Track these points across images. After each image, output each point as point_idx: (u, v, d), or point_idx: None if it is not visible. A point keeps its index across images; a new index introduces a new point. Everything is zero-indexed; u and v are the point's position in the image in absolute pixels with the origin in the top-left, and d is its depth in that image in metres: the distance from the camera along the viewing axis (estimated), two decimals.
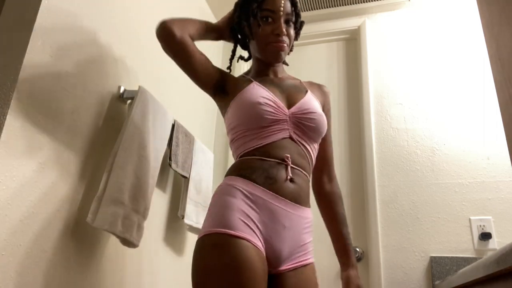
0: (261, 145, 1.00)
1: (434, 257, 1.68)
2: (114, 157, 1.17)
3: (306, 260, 0.99)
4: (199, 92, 2.04)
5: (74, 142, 1.12)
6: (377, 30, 2.23)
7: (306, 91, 1.14)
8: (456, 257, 1.66)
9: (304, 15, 2.31)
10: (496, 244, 1.66)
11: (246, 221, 0.90)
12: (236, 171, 1.00)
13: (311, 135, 1.06)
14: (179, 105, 1.79)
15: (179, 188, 1.69)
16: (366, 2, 2.20)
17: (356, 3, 2.22)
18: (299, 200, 0.99)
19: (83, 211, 1.13)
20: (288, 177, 0.98)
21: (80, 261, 1.12)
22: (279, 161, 0.99)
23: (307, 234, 1.01)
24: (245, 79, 1.14)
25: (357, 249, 1.86)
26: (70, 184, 1.09)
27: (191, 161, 1.62)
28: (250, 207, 0.92)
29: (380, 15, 2.25)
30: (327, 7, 2.27)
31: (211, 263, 0.84)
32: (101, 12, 1.27)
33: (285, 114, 1.04)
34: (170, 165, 1.47)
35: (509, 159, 0.80)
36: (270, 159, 0.98)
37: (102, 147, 1.23)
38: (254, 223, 0.91)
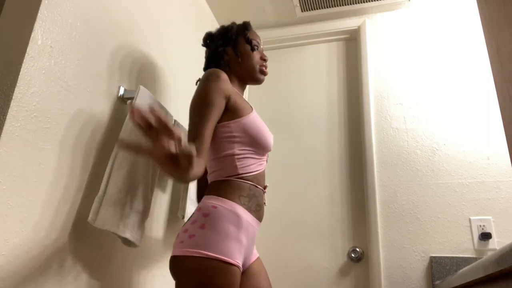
0: (257, 172, 1.19)
1: (434, 257, 1.68)
2: (115, 157, 1.17)
3: (256, 255, 1.25)
4: None
5: (74, 142, 1.12)
6: (377, 30, 2.23)
7: None
8: (456, 257, 1.66)
9: (304, 15, 2.32)
10: (496, 244, 1.66)
11: (240, 249, 1.04)
12: (236, 196, 1.11)
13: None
14: (179, 105, 1.79)
15: (179, 188, 1.69)
16: (366, 2, 2.20)
17: (356, 3, 2.22)
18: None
19: (84, 211, 1.13)
20: (265, 203, 1.22)
21: (81, 261, 1.12)
22: (262, 189, 1.21)
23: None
24: (244, 99, 1.30)
25: (357, 249, 1.86)
26: (70, 184, 1.09)
27: None
28: (244, 234, 1.08)
29: (380, 15, 2.25)
30: (327, 7, 2.27)
31: (207, 283, 0.95)
32: (101, 12, 1.27)
33: (270, 149, 1.27)
34: None
35: (509, 159, 0.80)
36: (259, 187, 1.19)
37: (102, 147, 1.23)
38: (244, 247, 1.07)
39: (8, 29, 1.00)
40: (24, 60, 0.96)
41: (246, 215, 1.10)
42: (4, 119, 0.90)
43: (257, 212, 1.16)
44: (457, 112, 1.93)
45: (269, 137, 1.24)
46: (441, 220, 1.76)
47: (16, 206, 0.92)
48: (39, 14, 1.01)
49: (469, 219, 1.73)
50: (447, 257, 1.67)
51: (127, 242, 1.21)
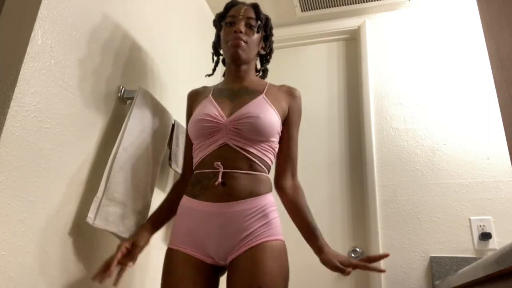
0: (203, 157, 1.16)
1: (434, 257, 1.68)
2: (114, 157, 1.17)
3: (251, 243, 1.04)
4: None
5: (74, 142, 1.12)
6: (377, 30, 2.23)
7: (257, 96, 1.20)
8: (456, 257, 1.66)
9: (304, 15, 2.32)
10: (496, 244, 1.66)
11: (184, 235, 1.10)
12: (188, 189, 1.18)
13: (249, 136, 1.14)
14: (179, 105, 1.79)
15: None
16: (366, 2, 2.20)
17: (356, 3, 2.22)
18: (232, 197, 1.08)
19: (83, 211, 1.13)
20: (218, 182, 1.09)
21: (80, 261, 1.12)
22: (212, 170, 1.12)
23: (256, 221, 1.07)
24: (206, 94, 1.28)
25: (357, 249, 1.86)
26: (70, 184, 1.09)
27: None
28: (188, 219, 1.11)
29: (380, 15, 2.25)
30: (327, 7, 2.27)
31: (164, 268, 1.11)
32: (101, 12, 1.27)
33: (222, 124, 1.14)
34: (170, 165, 1.46)
35: (509, 159, 0.80)
36: (206, 170, 1.13)
37: (102, 147, 1.23)
38: (189, 232, 1.09)
39: (8, 29, 1.00)
40: (24, 60, 0.96)
41: (188, 202, 1.13)
42: (4, 119, 0.90)
43: (203, 194, 1.10)
44: (457, 112, 1.93)
45: (198, 119, 1.15)
46: (441, 220, 1.76)
47: (16, 206, 0.92)
48: (39, 14, 1.01)
49: (469, 219, 1.73)
50: (447, 257, 1.67)
51: None
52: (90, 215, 1.08)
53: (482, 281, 0.90)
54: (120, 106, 1.34)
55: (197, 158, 1.19)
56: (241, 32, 1.21)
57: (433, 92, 2.00)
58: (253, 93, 1.22)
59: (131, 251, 1.10)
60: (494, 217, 1.70)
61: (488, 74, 1.94)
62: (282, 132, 1.23)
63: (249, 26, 1.24)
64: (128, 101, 1.37)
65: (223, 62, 1.39)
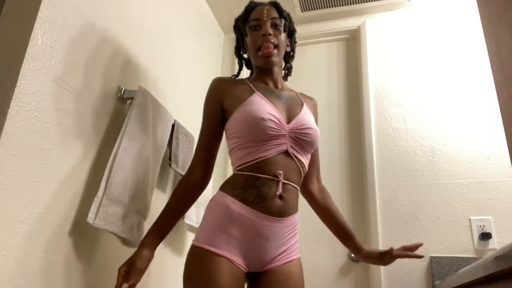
0: (258, 160, 1.08)
1: (434, 257, 1.68)
2: (114, 157, 1.17)
3: (288, 258, 1.10)
4: (199, 92, 2.04)
5: (74, 142, 1.12)
6: (377, 30, 2.22)
7: (302, 105, 1.22)
8: (456, 257, 1.66)
9: (304, 15, 2.31)
10: (496, 244, 1.66)
11: (229, 240, 1.03)
12: (229, 188, 1.10)
13: (307, 148, 1.15)
14: (179, 105, 1.79)
15: None
16: (366, 2, 2.20)
17: (356, 3, 2.22)
18: (284, 214, 1.08)
19: (83, 211, 1.13)
20: (278, 194, 1.07)
21: (80, 261, 1.12)
22: (271, 177, 1.07)
23: (291, 238, 1.12)
24: (247, 86, 1.19)
25: None
26: (70, 184, 1.09)
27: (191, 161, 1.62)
28: (236, 226, 1.04)
29: (380, 15, 2.25)
30: (327, 7, 2.27)
31: (193, 271, 1.01)
32: (101, 12, 1.27)
33: (285, 130, 1.11)
34: (170, 165, 1.46)
35: (509, 159, 0.80)
36: (264, 176, 1.07)
37: (102, 147, 1.23)
38: (237, 240, 1.03)
39: (8, 29, 1.00)
40: (24, 60, 0.96)
41: (238, 208, 1.04)
42: (4, 119, 0.90)
43: (259, 203, 1.04)
44: (457, 112, 1.93)
45: (260, 119, 1.07)
46: (441, 220, 1.76)
47: (16, 206, 0.92)
48: (39, 14, 1.01)
49: (469, 219, 1.73)
50: (447, 257, 1.67)
51: (126, 242, 1.21)
52: (91, 215, 1.08)
53: (482, 281, 0.90)
54: (120, 106, 1.34)
55: (246, 158, 1.09)
56: (270, 34, 1.18)
57: (433, 92, 2.00)
58: (295, 101, 1.22)
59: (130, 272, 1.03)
60: (494, 217, 1.70)
61: (488, 74, 1.94)
62: None
63: (275, 26, 1.21)
64: (128, 101, 1.37)
65: (247, 65, 1.34)
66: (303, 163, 1.15)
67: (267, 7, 1.23)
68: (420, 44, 2.11)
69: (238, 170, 1.11)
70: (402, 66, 2.10)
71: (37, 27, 1.00)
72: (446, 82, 2.00)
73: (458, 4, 2.12)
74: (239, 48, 1.32)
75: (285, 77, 1.37)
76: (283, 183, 1.08)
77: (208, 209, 1.11)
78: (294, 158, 1.12)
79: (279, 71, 1.27)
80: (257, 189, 1.06)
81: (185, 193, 1.13)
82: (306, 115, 1.18)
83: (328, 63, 2.33)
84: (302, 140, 1.13)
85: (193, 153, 1.64)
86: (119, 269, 1.03)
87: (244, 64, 1.34)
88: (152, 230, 1.10)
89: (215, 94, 1.20)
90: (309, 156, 1.19)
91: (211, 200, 1.13)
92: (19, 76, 0.94)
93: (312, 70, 2.34)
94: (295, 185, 1.12)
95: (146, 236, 1.10)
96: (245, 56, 1.33)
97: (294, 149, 1.12)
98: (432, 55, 2.07)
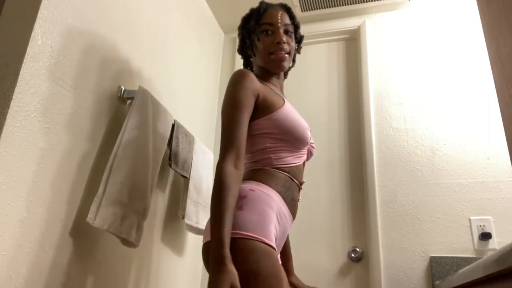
0: (294, 165, 1.13)
1: (434, 257, 1.68)
2: (114, 157, 1.17)
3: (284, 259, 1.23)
4: (199, 92, 2.04)
5: (74, 142, 1.12)
6: (377, 30, 2.22)
7: None
8: (456, 257, 1.66)
9: (304, 15, 2.31)
10: (496, 244, 1.66)
11: (275, 233, 0.99)
12: (273, 183, 1.07)
13: (308, 160, 1.24)
14: (179, 105, 1.79)
15: (179, 188, 1.69)
16: (366, 2, 2.20)
17: (356, 3, 2.22)
18: (294, 218, 1.15)
19: (83, 211, 1.13)
20: (299, 199, 1.15)
21: (80, 261, 1.12)
22: (298, 184, 1.14)
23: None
24: (271, 89, 1.18)
25: (357, 249, 1.86)
26: (70, 184, 1.09)
27: (191, 161, 1.62)
28: (278, 222, 1.01)
29: (380, 15, 2.25)
30: (327, 7, 2.27)
31: (262, 266, 0.89)
32: (101, 12, 1.27)
33: (308, 142, 1.18)
34: (170, 165, 1.46)
35: (509, 159, 0.80)
36: (296, 181, 1.13)
37: (102, 147, 1.23)
38: (278, 238, 1.02)
39: (8, 29, 1.00)
40: (24, 60, 0.96)
41: (282, 204, 1.04)
42: (4, 119, 0.90)
43: (292, 206, 1.09)
44: (457, 112, 1.93)
45: (303, 129, 1.13)
46: (441, 220, 1.76)
47: (16, 206, 0.92)
48: (39, 14, 1.01)
49: (469, 219, 1.73)
50: (447, 257, 1.67)
51: (126, 242, 1.21)
52: (91, 215, 1.08)
53: (482, 281, 0.90)
54: (120, 106, 1.34)
55: (285, 160, 1.11)
56: (284, 43, 1.18)
57: (433, 92, 2.00)
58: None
59: None
60: (494, 217, 1.70)
61: (488, 74, 1.94)
62: None
63: (286, 32, 1.21)
64: (128, 101, 1.37)
65: (248, 63, 1.33)
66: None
67: (281, 12, 1.21)
68: (420, 44, 2.11)
69: (275, 168, 1.10)
70: (402, 66, 2.10)
71: (37, 27, 1.00)
72: (446, 82, 2.00)
73: (458, 4, 2.12)
74: (243, 47, 1.29)
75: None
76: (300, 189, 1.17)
77: (257, 198, 0.99)
78: (303, 169, 1.20)
79: (282, 75, 1.30)
80: (292, 192, 1.11)
81: (237, 188, 0.97)
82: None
83: (328, 63, 2.33)
84: (311, 152, 1.24)
85: (192, 152, 1.64)
86: None
87: (247, 64, 1.34)
88: (223, 242, 0.86)
89: (252, 84, 1.10)
90: None
91: (257, 189, 1.02)
92: (19, 76, 0.94)
93: (312, 70, 2.34)
94: (300, 193, 1.19)
95: (222, 250, 0.85)
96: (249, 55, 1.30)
97: (306, 160, 1.22)
98: (432, 55, 2.07)
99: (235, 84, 1.09)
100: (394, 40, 2.17)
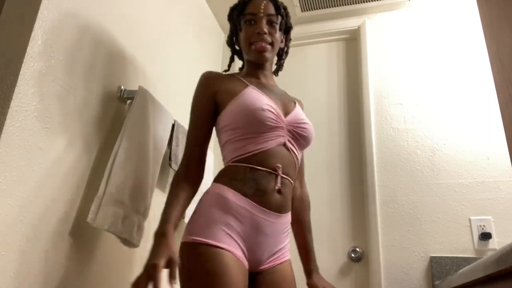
0: (257, 151, 1.04)
1: (434, 257, 1.68)
2: (114, 157, 1.17)
3: (282, 258, 1.08)
4: None
5: (74, 142, 1.12)
6: (377, 30, 2.22)
7: (294, 102, 1.22)
8: (456, 257, 1.66)
9: (304, 15, 2.31)
10: (496, 244, 1.66)
11: (229, 233, 0.97)
12: (227, 179, 1.04)
13: (302, 144, 1.13)
14: (179, 105, 1.79)
15: None
16: (366, 2, 2.20)
17: (356, 3, 2.22)
18: (282, 210, 1.06)
19: (83, 211, 1.13)
20: (276, 188, 1.03)
21: (81, 261, 1.12)
22: (270, 170, 1.04)
23: (285, 237, 1.09)
24: (239, 81, 1.16)
25: (357, 249, 1.86)
26: (70, 184, 1.09)
27: None
28: (236, 218, 0.99)
29: (380, 15, 2.25)
30: (327, 7, 2.27)
31: (195, 269, 0.92)
32: (101, 12, 1.27)
33: (283, 122, 1.09)
34: (170, 165, 1.47)
35: (509, 159, 0.80)
36: (263, 169, 1.03)
37: (102, 147, 1.23)
38: (238, 234, 0.98)
39: (8, 29, 1.00)
40: (24, 60, 0.96)
41: (239, 200, 0.99)
42: (4, 119, 0.90)
43: (260, 197, 1.00)
44: (457, 112, 1.93)
45: (257, 109, 1.04)
46: (441, 220, 1.76)
47: (16, 206, 0.92)
48: (39, 14, 1.01)
49: (469, 219, 1.73)
50: (447, 257, 1.67)
51: (126, 242, 1.21)
52: (91, 215, 1.08)
53: (482, 281, 0.90)
54: (120, 106, 1.34)
55: (243, 150, 1.05)
56: (265, 33, 1.14)
57: (433, 92, 2.00)
58: (287, 97, 1.23)
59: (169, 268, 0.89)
60: (494, 217, 1.70)
61: (488, 74, 1.94)
62: None
63: (270, 23, 1.17)
64: (128, 101, 1.37)
65: (238, 56, 1.30)
66: (298, 159, 1.13)
67: (265, 2, 1.17)
68: (420, 44, 2.11)
69: (234, 162, 1.05)
70: (402, 66, 2.10)
71: (37, 27, 1.00)
72: (446, 82, 2.00)
73: (458, 4, 2.12)
74: (232, 38, 1.27)
75: (275, 72, 1.35)
76: (282, 177, 1.04)
77: (202, 201, 1.04)
78: (292, 152, 1.09)
79: (270, 68, 1.25)
80: (256, 182, 1.01)
81: (191, 194, 1.08)
82: (300, 112, 1.19)
83: (328, 63, 2.33)
84: (299, 134, 1.11)
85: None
86: (153, 268, 0.86)
87: (236, 56, 1.30)
88: (171, 221, 0.97)
89: (207, 87, 1.15)
90: (301, 153, 1.18)
91: (206, 192, 1.06)
92: (19, 76, 0.94)
93: (312, 70, 2.33)
94: (291, 180, 1.09)
95: (167, 226, 0.95)
96: (237, 47, 1.29)
97: (291, 142, 1.09)
98: (432, 55, 2.07)
99: (195, 90, 1.18)
100: (394, 40, 2.17)
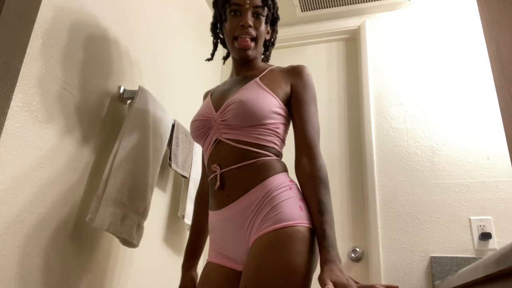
0: (208, 159, 1.07)
1: (434, 257, 1.68)
2: (114, 157, 1.17)
3: (252, 239, 0.95)
4: (199, 92, 2.04)
5: (74, 142, 1.12)
6: (377, 30, 2.23)
7: (250, 81, 1.10)
8: (456, 257, 1.66)
9: (304, 15, 2.32)
10: (496, 244, 1.66)
11: (212, 248, 1.07)
12: (205, 202, 1.20)
13: (236, 125, 1.02)
14: (179, 105, 1.79)
15: (179, 188, 1.69)
16: (366, 2, 2.20)
17: (356, 3, 2.22)
18: (231, 199, 0.99)
19: (83, 211, 1.13)
20: (217, 186, 1.01)
21: (80, 261, 1.12)
22: (213, 173, 1.04)
23: (258, 215, 0.95)
24: (214, 91, 1.19)
25: (357, 249, 1.86)
26: (70, 184, 1.09)
27: (191, 161, 1.62)
28: (212, 232, 1.06)
29: (380, 15, 2.25)
30: (327, 7, 2.27)
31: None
32: (101, 12, 1.27)
33: (211, 119, 1.06)
34: (170, 165, 1.46)
35: (509, 159, 0.80)
36: (211, 176, 1.05)
37: (102, 147, 1.23)
38: (215, 246, 1.06)
39: (8, 29, 1.00)
40: (24, 60, 0.96)
41: (210, 215, 1.06)
42: (4, 119, 0.90)
43: (213, 204, 1.03)
44: (457, 112, 1.93)
45: (192, 123, 1.09)
46: (441, 220, 1.76)
47: (16, 206, 0.92)
48: (39, 14, 1.01)
49: (469, 219, 1.73)
50: (447, 257, 1.67)
51: (126, 242, 1.21)
52: (90, 215, 1.08)
53: (482, 281, 0.90)
54: (120, 106, 1.34)
55: (204, 162, 1.13)
56: (250, 26, 1.08)
57: (433, 92, 2.00)
58: (248, 80, 1.11)
59: None
60: (494, 217, 1.70)
61: (488, 74, 1.94)
62: (291, 113, 1.08)
63: (256, 15, 1.11)
64: (128, 101, 1.37)
65: (223, 44, 1.23)
66: (244, 141, 1.01)
67: None
68: (420, 44, 2.11)
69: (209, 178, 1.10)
70: (402, 66, 2.10)
71: (37, 27, 1.00)
72: (446, 82, 2.00)
73: (458, 4, 2.12)
74: (216, 25, 1.20)
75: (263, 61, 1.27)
76: (222, 173, 1.01)
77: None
78: (230, 142, 1.02)
79: (254, 61, 1.17)
80: (212, 189, 1.04)
81: (205, 211, 1.21)
82: (240, 91, 1.05)
83: (328, 63, 2.33)
84: (227, 119, 1.02)
85: (192, 152, 1.65)
86: None
87: (221, 44, 1.24)
88: (187, 256, 1.18)
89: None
90: (258, 129, 1.02)
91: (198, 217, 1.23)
92: (19, 76, 0.94)
93: (312, 70, 2.33)
94: (237, 165, 1.00)
95: (184, 261, 1.18)
96: (222, 36, 1.21)
97: (225, 133, 1.03)
98: (432, 55, 2.07)
99: None
100: (394, 40, 2.17)
